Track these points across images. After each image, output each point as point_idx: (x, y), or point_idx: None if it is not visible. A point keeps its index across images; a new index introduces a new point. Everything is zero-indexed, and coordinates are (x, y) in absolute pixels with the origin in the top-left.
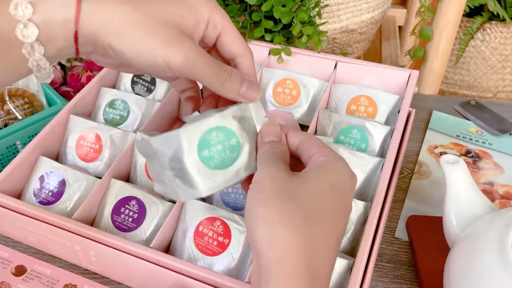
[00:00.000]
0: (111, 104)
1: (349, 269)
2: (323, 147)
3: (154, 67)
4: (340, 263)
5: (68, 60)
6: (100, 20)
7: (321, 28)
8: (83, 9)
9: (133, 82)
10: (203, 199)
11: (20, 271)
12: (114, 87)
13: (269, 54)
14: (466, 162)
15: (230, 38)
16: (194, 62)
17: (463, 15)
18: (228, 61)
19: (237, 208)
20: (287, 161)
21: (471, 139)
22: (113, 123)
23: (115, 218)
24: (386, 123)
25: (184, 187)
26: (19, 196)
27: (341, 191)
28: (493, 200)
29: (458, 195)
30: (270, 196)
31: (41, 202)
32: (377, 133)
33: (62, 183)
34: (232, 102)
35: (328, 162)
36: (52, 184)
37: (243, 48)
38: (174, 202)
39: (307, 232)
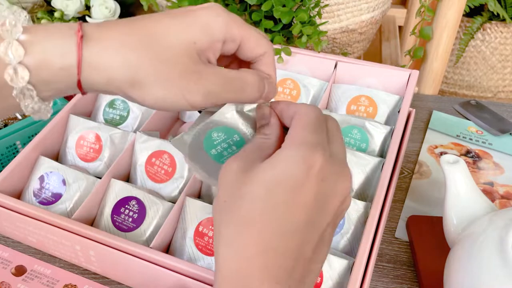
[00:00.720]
0: (111, 104)
1: (349, 269)
2: (298, 129)
3: (176, 108)
4: (340, 263)
5: None
6: (106, 67)
7: (321, 28)
8: (85, 56)
9: None
10: (203, 199)
11: (20, 271)
12: None
13: None
14: (466, 162)
15: (251, 44)
16: (216, 94)
17: (463, 15)
18: (248, 63)
19: None
20: (269, 148)
21: (471, 139)
22: (113, 123)
23: (115, 218)
24: (386, 123)
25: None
26: (19, 196)
27: (283, 189)
28: (493, 200)
29: (458, 195)
30: (215, 205)
31: (41, 202)
32: (377, 133)
33: (62, 183)
34: None
35: (279, 153)
36: (52, 184)
37: (264, 47)
38: (174, 202)
39: (239, 245)
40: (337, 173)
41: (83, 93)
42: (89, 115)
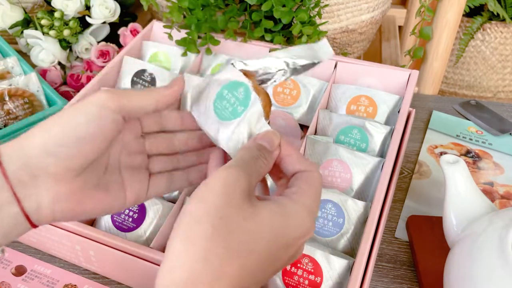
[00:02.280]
0: None
1: (349, 269)
2: (311, 194)
3: None
4: (340, 263)
5: (68, 60)
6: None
7: (321, 28)
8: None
9: (133, 82)
10: None
11: (20, 271)
12: (114, 87)
13: None
14: (466, 162)
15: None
16: None
17: (463, 15)
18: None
19: None
20: (261, 177)
21: (471, 139)
22: None
23: (115, 218)
24: (386, 123)
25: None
26: None
27: (283, 243)
28: (493, 200)
29: (458, 195)
30: (206, 212)
31: None
32: (377, 133)
33: None
34: None
35: (291, 207)
36: None
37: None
38: (174, 202)
39: (220, 268)
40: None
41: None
42: None
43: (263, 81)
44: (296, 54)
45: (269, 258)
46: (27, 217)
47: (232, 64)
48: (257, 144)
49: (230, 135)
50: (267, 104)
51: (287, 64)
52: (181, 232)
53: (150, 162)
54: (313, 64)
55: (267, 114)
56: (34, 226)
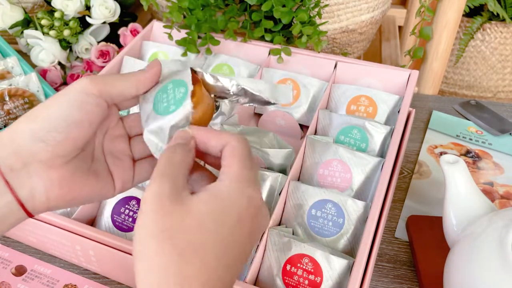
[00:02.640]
0: None
1: (349, 269)
2: (234, 163)
3: None
4: (340, 263)
5: (68, 60)
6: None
7: (321, 28)
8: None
9: None
10: None
11: (20, 271)
12: None
13: (269, 54)
14: (466, 162)
15: None
16: None
17: (463, 15)
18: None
19: None
20: (188, 167)
21: (471, 139)
22: None
23: (115, 218)
24: (386, 123)
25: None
26: None
27: (233, 221)
28: (493, 200)
29: (458, 195)
30: (149, 234)
31: None
32: (377, 133)
33: None
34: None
35: (220, 187)
36: None
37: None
38: None
39: (181, 275)
40: (264, 206)
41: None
42: None
43: (219, 97)
44: (260, 88)
45: (227, 240)
46: (22, 205)
47: (192, 68)
48: (171, 145)
49: (155, 128)
50: (206, 112)
51: (245, 92)
52: (137, 252)
53: (132, 147)
54: (268, 103)
55: (205, 121)
56: (30, 215)
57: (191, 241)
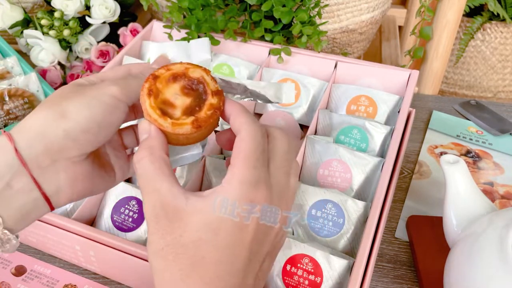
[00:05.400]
0: None
1: (349, 269)
2: (239, 163)
3: None
4: (340, 263)
5: (68, 60)
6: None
7: (321, 28)
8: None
9: None
10: None
11: (20, 271)
12: None
13: (269, 54)
14: (466, 162)
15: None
16: None
17: (463, 15)
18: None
19: None
20: (166, 148)
21: (471, 139)
22: None
23: (115, 218)
24: (386, 123)
25: None
26: None
27: (228, 231)
28: (493, 200)
29: (458, 195)
30: (152, 250)
31: None
32: (377, 133)
33: None
34: None
35: (219, 192)
36: None
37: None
38: None
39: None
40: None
41: (52, 207)
42: None
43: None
44: (264, 87)
45: (228, 251)
46: (48, 200)
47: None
48: (141, 144)
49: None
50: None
51: (247, 89)
52: (151, 267)
53: (124, 139)
54: (269, 101)
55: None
56: (52, 208)
57: (190, 256)
